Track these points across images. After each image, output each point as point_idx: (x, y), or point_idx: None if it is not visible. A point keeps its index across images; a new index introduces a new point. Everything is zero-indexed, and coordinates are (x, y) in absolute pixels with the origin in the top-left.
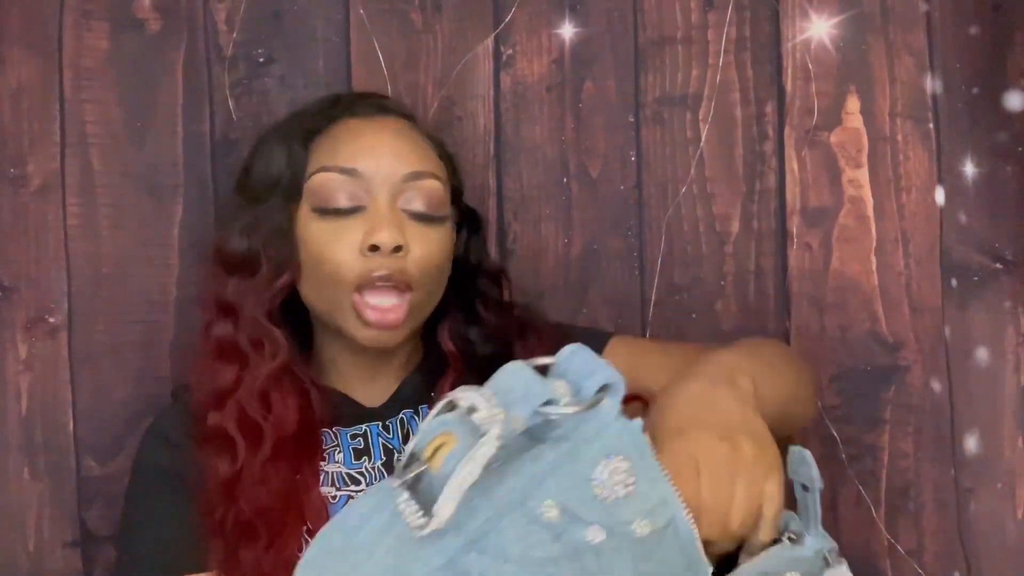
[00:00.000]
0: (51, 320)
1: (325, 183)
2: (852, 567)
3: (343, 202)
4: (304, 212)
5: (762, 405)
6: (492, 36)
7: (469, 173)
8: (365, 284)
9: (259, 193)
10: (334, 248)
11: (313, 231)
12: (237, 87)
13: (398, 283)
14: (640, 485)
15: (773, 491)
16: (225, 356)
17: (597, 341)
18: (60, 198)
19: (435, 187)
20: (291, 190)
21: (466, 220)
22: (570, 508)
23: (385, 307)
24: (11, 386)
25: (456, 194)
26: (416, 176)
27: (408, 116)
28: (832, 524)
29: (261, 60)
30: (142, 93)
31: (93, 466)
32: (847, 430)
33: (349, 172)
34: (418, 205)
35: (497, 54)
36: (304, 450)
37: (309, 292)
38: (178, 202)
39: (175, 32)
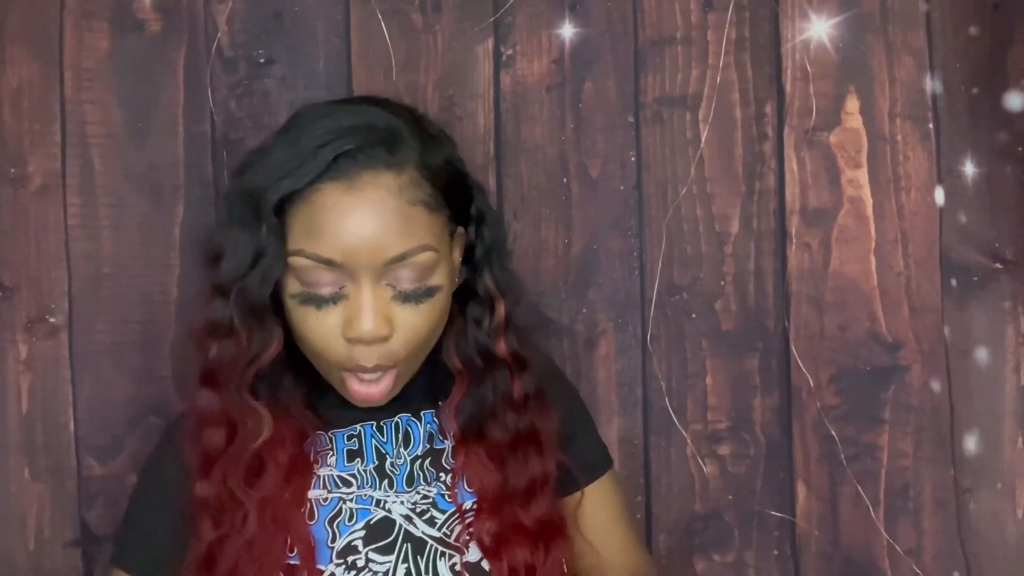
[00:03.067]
0: (51, 320)
1: (305, 270)
2: (851, 567)
3: (324, 291)
4: (290, 281)
5: None
6: (492, 36)
7: (469, 173)
8: (350, 369)
9: (237, 266)
10: (317, 334)
11: (297, 313)
12: (238, 88)
13: (386, 366)
14: None
15: None
16: (211, 422)
17: (605, 461)
18: (61, 198)
19: (424, 259)
20: (271, 267)
21: (476, 224)
22: None
23: (369, 381)
24: (11, 386)
25: (464, 205)
26: (401, 258)
27: (399, 164)
28: (831, 524)
29: (261, 61)
30: (143, 94)
31: (93, 466)
32: (846, 430)
33: (328, 263)
34: (405, 284)
35: (497, 54)
36: (295, 476)
37: (301, 348)
38: (179, 202)
39: (176, 33)
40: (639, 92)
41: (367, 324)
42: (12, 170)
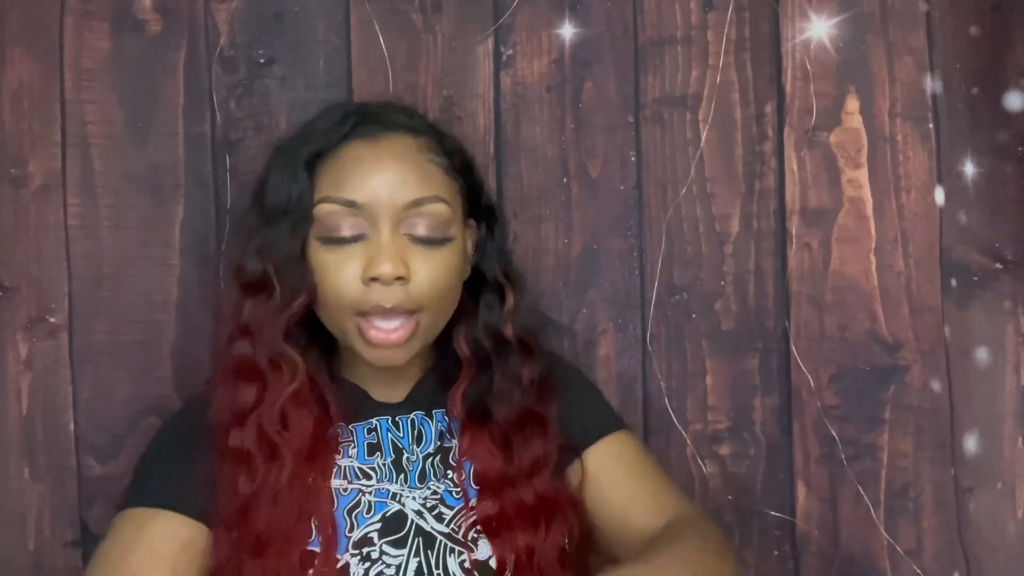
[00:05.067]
0: (51, 320)
1: (329, 214)
2: (852, 567)
3: (345, 232)
4: (313, 238)
5: None
6: (492, 36)
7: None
8: (369, 312)
9: (271, 216)
10: (337, 277)
11: (319, 259)
12: (238, 88)
13: (403, 311)
14: None
15: None
16: (245, 375)
17: (607, 424)
18: (61, 198)
19: (439, 211)
20: (300, 216)
21: (487, 221)
22: None
23: (389, 328)
24: (11, 386)
25: (474, 198)
26: (417, 203)
27: (417, 129)
28: (832, 524)
29: (262, 61)
30: (143, 94)
31: (94, 466)
32: (847, 430)
33: (350, 204)
34: (421, 230)
35: (497, 54)
36: (319, 451)
37: (320, 312)
38: (179, 202)
39: (176, 33)
40: (639, 92)
41: (386, 262)
42: (12, 170)
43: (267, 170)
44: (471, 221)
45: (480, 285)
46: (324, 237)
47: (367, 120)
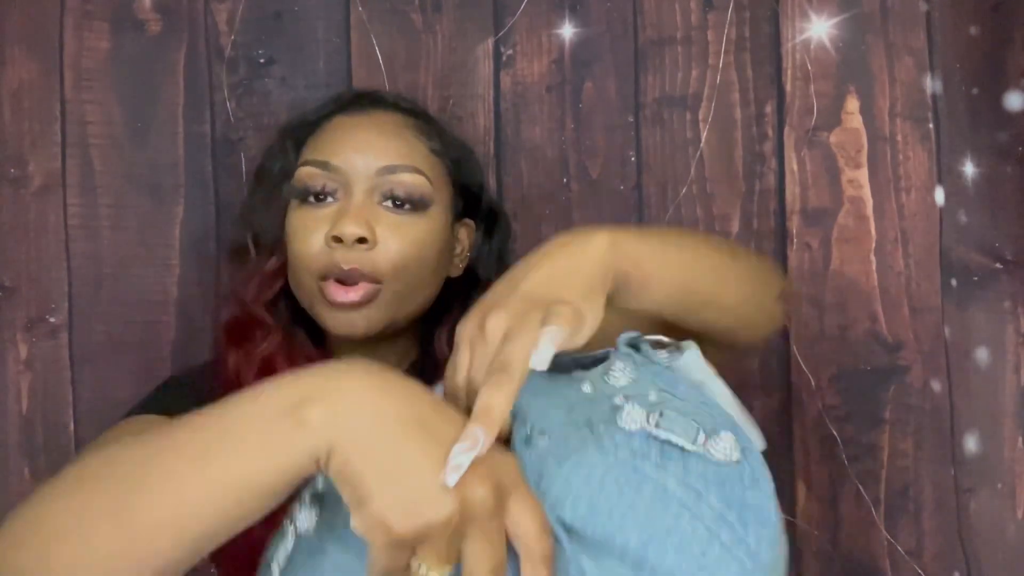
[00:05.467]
0: (51, 320)
1: (306, 176)
2: (852, 567)
3: (315, 188)
4: (292, 204)
5: (634, 280)
6: (492, 36)
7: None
8: (331, 275)
9: (257, 187)
10: (304, 236)
11: (292, 221)
12: (238, 88)
13: (366, 277)
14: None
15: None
16: (230, 339)
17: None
18: (61, 198)
19: (413, 180)
20: (283, 184)
21: (485, 223)
22: (597, 388)
23: (347, 287)
24: (11, 386)
25: (472, 197)
26: (391, 170)
27: (407, 110)
28: (832, 524)
29: (262, 61)
30: (143, 94)
31: None
32: (847, 430)
33: (324, 165)
34: (394, 196)
35: (497, 54)
36: None
37: (291, 281)
38: (179, 203)
39: (176, 33)
40: (639, 92)
41: (350, 222)
42: (12, 170)
43: (264, 152)
44: (468, 220)
45: (473, 288)
46: (299, 197)
47: (361, 97)
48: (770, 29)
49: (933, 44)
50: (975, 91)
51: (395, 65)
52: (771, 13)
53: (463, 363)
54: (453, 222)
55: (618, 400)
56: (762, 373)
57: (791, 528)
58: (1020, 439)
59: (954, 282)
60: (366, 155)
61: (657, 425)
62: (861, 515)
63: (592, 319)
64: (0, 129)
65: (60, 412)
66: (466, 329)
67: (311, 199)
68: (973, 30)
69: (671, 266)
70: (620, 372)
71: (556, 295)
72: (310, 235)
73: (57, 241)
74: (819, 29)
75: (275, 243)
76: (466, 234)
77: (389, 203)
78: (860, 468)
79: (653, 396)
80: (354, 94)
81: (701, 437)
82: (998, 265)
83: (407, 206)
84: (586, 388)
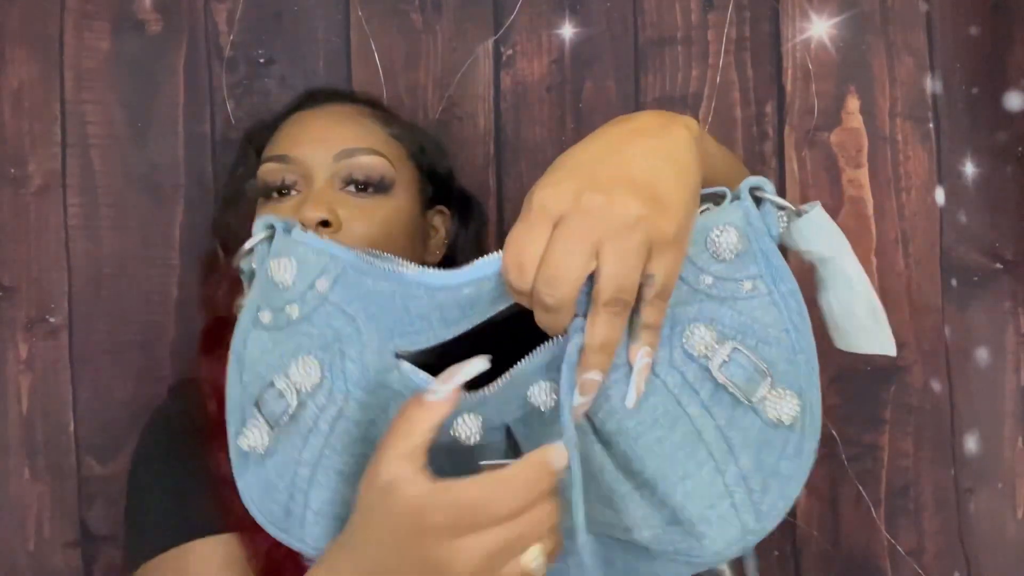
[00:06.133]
0: (51, 320)
1: (265, 172)
2: (852, 567)
3: (275, 183)
4: (259, 204)
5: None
6: (492, 37)
7: (469, 173)
8: None
9: (225, 195)
10: None
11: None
12: (238, 88)
13: None
14: (746, 254)
15: (662, 265)
16: (206, 346)
17: None
18: (61, 198)
19: (372, 162)
20: (244, 185)
21: (459, 209)
22: (690, 255)
23: None
24: (11, 386)
25: (441, 183)
26: (348, 153)
27: (364, 101)
28: (832, 524)
29: (261, 60)
30: (143, 94)
31: (93, 466)
32: (847, 430)
33: (282, 159)
34: (354, 179)
35: (497, 54)
36: None
37: None
38: (179, 202)
39: (176, 33)
40: (639, 92)
41: (310, 207)
42: (12, 170)
43: (231, 164)
44: (443, 208)
45: None
46: (263, 195)
47: (316, 94)
48: (770, 29)
49: (933, 44)
50: (975, 91)
51: (395, 65)
52: (771, 13)
53: (541, 237)
54: (424, 208)
55: (705, 281)
56: None
57: (791, 528)
58: (1020, 439)
59: (954, 282)
60: (323, 143)
61: (722, 364)
62: (861, 515)
63: (688, 226)
64: (0, 129)
65: (60, 412)
66: (554, 198)
67: (274, 195)
68: (973, 30)
69: (730, 176)
70: (726, 238)
71: (656, 187)
72: None
73: (57, 241)
74: (819, 29)
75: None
76: (441, 221)
77: (352, 188)
78: (860, 468)
79: (735, 316)
80: (309, 92)
81: (763, 389)
82: (998, 265)
83: (369, 188)
84: None
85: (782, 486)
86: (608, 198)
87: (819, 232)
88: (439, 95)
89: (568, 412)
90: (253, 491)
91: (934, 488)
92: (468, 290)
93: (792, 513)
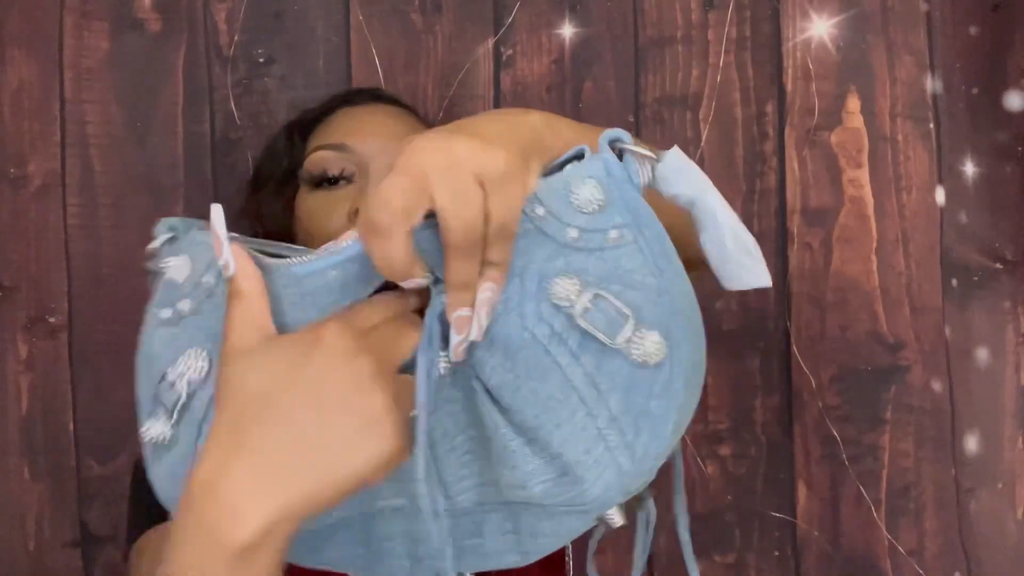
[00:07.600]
0: (51, 320)
1: (318, 160)
2: (853, 567)
3: (333, 171)
4: (302, 193)
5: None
6: (492, 36)
7: None
8: None
9: (261, 183)
10: (322, 216)
11: (306, 206)
12: (237, 87)
13: None
14: (611, 205)
15: (498, 202)
16: None
17: None
18: (60, 198)
19: None
20: (290, 176)
21: None
22: (553, 211)
23: None
24: (11, 386)
25: None
26: None
27: (405, 106)
28: (832, 525)
29: (261, 60)
30: (142, 93)
31: (93, 466)
32: (847, 430)
33: (340, 147)
34: None
35: (497, 54)
36: None
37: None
38: (178, 202)
39: (175, 32)
40: (639, 92)
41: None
42: (12, 170)
43: (261, 153)
44: None
45: None
46: (311, 181)
47: (363, 92)
48: (771, 28)
49: (933, 44)
50: (975, 91)
51: (395, 65)
52: (772, 12)
53: (404, 191)
54: None
55: (570, 235)
56: (762, 373)
57: (791, 528)
58: (1020, 439)
59: (954, 282)
60: (381, 136)
61: (584, 311)
62: (861, 515)
63: (517, 163)
64: (0, 129)
65: (60, 412)
66: (422, 157)
67: (324, 184)
68: (973, 30)
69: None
70: (587, 190)
71: (482, 133)
72: (330, 213)
73: (57, 241)
74: (820, 29)
75: (279, 235)
76: None
77: None
78: (860, 468)
79: (600, 265)
80: (356, 90)
81: (627, 331)
82: (998, 265)
83: None
84: (539, 210)
85: (653, 426)
86: (433, 142)
87: (679, 175)
88: (439, 95)
89: (424, 360)
90: (163, 480)
91: (934, 488)
92: (335, 272)
93: (793, 513)
